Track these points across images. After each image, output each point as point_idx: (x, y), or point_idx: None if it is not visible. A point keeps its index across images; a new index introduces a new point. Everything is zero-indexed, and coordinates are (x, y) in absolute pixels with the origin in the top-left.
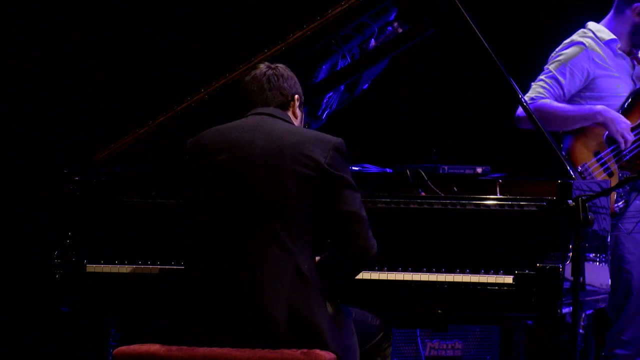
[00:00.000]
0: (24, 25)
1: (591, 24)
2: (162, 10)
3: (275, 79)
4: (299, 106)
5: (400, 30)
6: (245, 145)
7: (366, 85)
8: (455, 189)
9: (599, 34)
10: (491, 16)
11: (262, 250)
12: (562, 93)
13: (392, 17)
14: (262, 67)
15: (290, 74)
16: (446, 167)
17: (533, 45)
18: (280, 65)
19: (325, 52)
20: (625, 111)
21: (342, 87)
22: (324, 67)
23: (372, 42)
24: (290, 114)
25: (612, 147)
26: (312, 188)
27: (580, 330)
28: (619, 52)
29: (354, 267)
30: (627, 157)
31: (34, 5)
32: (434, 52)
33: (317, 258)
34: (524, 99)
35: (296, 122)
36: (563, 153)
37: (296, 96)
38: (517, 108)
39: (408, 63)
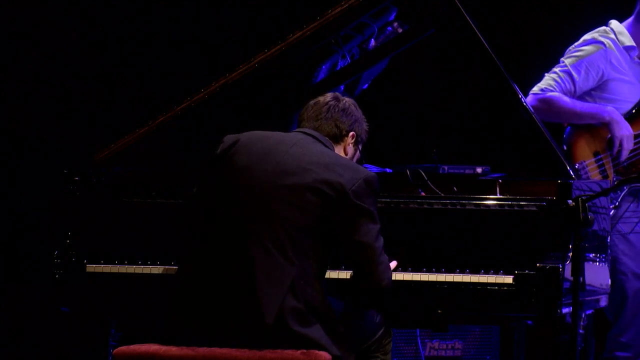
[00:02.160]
0: (24, 25)
1: (614, 24)
2: (162, 10)
3: (336, 110)
4: (353, 144)
5: (400, 30)
6: (279, 154)
7: (366, 85)
8: (455, 189)
9: (620, 37)
10: (491, 16)
11: (265, 255)
12: (573, 89)
13: (392, 17)
14: (329, 96)
15: (356, 111)
16: (446, 167)
17: (533, 46)
18: (348, 100)
19: (325, 52)
20: (631, 118)
21: (342, 87)
22: (324, 67)
23: (372, 42)
24: (340, 148)
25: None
26: (329, 209)
27: (580, 331)
28: (636, 59)
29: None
30: (625, 163)
31: (34, 5)
32: (434, 52)
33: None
34: (524, 99)
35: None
36: (564, 147)
37: (351, 133)
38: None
39: (408, 63)
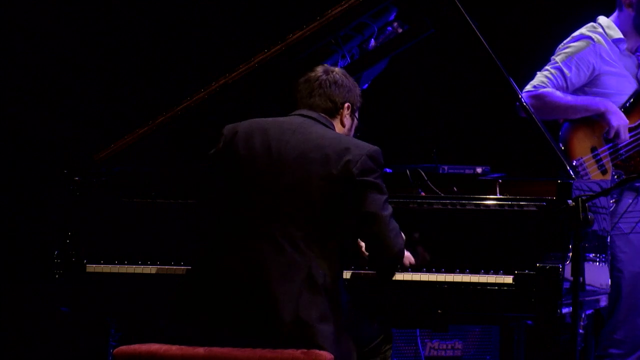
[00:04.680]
0: (24, 25)
1: (602, 19)
2: (162, 10)
3: (327, 84)
4: (350, 114)
5: (400, 30)
6: (280, 144)
7: (366, 85)
8: (455, 189)
9: (608, 31)
10: (491, 16)
11: (277, 251)
12: (565, 85)
13: (392, 17)
14: (319, 70)
15: (346, 81)
16: (446, 167)
17: (533, 45)
18: (337, 71)
19: (325, 52)
20: (626, 110)
21: None
22: None
23: (372, 42)
24: (337, 121)
25: (610, 144)
26: (337, 194)
27: (580, 330)
28: (626, 52)
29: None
30: (623, 156)
31: (34, 5)
32: (434, 52)
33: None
34: (524, 99)
35: (343, 131)
36: (560, 144)
37: (346, 104)
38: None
39: (408, 63)
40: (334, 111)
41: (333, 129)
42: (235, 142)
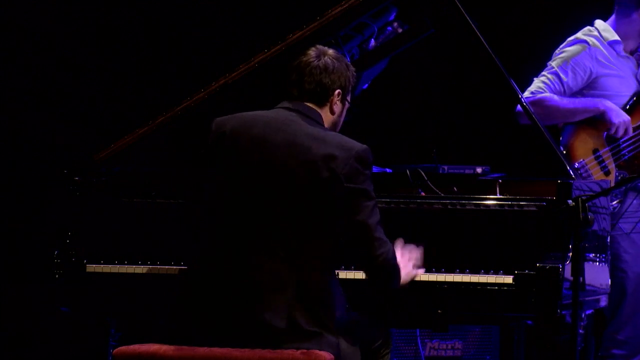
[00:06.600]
0: (24, 25)
1: (598, 23)
2: (162, 10)
3: (318, 71)
4: (341, 100)
5: (400, 30)
6: (266, 146)
7: (366, 85)
8: (455, 189)
9: (604, 34)
10: (491, 16)
11: (268, 260)
12: (562, 90)
13: (392, 17)
14: (311, 53)
15: (338, 64)
16: (446, 167)
17: (533, 45)
18: (330, 54)
19: None
20: (628, 111)
21: None
22: None
23: (372, 42)
24: (326, 109)
25: (612, 145)
26: (327, 198)
27: (580, 330)
28: (624, 53)
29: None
30: (626, 156)
31: (34, 5)
32: (434, 52)
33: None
34: (524, 99)
35: (332, 118)
36: (561, 149)
37: (337, 91)
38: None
39: (408, 63)
40: (323, 98)
41: (320, 120)
42: (222, 145)
